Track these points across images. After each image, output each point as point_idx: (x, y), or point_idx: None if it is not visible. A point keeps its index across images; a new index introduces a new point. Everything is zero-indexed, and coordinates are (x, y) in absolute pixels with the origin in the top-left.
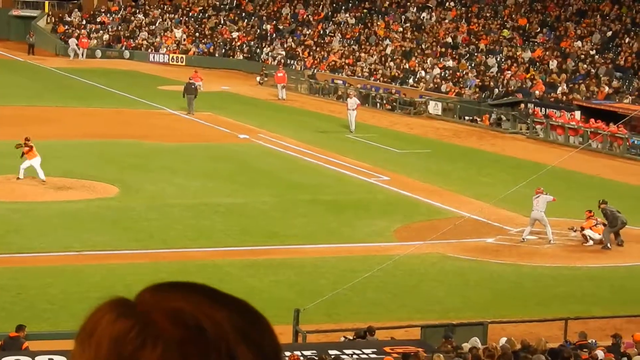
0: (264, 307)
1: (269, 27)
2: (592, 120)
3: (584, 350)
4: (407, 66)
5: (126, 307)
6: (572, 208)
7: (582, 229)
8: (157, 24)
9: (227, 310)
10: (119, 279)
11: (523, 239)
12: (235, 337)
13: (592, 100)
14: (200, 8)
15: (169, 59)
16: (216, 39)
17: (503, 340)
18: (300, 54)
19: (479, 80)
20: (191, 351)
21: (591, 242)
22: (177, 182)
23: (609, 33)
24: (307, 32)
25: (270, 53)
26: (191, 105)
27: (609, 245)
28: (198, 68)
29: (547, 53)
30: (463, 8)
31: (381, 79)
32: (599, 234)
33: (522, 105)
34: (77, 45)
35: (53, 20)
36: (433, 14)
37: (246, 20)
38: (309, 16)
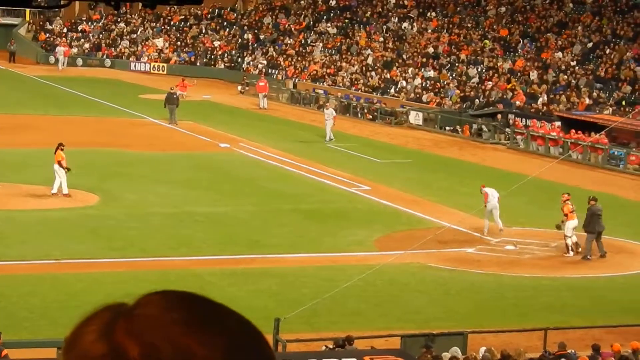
0: (244, 316)
1: (250, 36)
2: (573, 131)
3: None
4: (388, 76)
5: (109, 327)
6: (552, 218)
7: (565, 215)
8: (138, 33)
9: (209, 347)
10: (98, 288)
11: (485, 232)
12: None
13: (572, 111)
14: (182, 17)
15: (150, 68)
16: (198, 48)
17: (483, 350)
18: (282, 64)
19: (459, 90)
20: None
21: (571, 254)
22: (157, 190)
23: (590, 44)
24: (289, 42)
25: (251, 62)
26: (173, 115)
27: (588, 256)
28: (179, 77)
29: (528, 64)
30: (444, 18)
31: (362, 88)
32: (573, 221)
33: (499, 116)
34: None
35: (34, 29)
36: (414, 24)
37: (228, 29)
38: (291, 26)
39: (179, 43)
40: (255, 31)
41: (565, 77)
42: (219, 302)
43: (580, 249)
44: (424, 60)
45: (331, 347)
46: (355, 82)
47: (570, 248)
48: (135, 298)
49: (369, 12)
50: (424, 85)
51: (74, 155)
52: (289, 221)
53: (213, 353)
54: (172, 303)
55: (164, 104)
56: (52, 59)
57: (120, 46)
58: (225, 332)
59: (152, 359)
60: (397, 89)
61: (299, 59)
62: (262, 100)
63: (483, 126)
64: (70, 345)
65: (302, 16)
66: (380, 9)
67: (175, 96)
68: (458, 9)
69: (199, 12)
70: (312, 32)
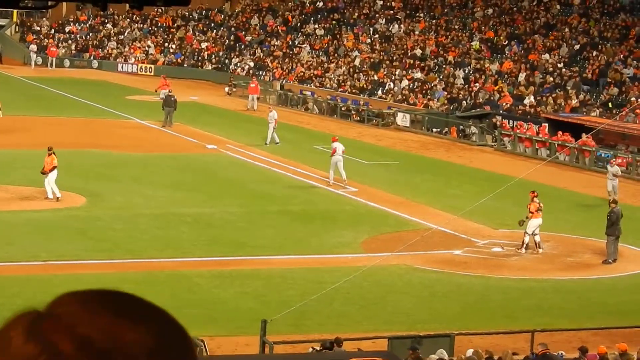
0: (231, 317)
1: (236, 37)
2: (560, 132)
3: None
4: (375, 78)
5: (36, 328)
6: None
7: (530, 212)
8: (125, 34)
9: (139, 331)
10: (85, 289)
11: (330, 183)
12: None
13: (559, 113)
14: (170, 17)
15: (137, 69)
16: (185, 50)
17: (470, 352)
18: (269, 65)
19: (446, 92)
20: None
21: (523, 251)
22: (144, 192)
23: (577, 46)
24: (276, 43)
25: (239, 64)
26: (169, 117)
27: (611, 260)
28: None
29: (516, 65)
30: (432, 20)
31: (349, 90)
32: (538, 219)
33: (494, 119)
34: (36, 52)
35: (21, 30)
36: (402, 25)
37: (215, 30)
38: (278, 27)
39: (166, 44)
40: (243, 32)
41: (552, 79)
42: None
43: (541, 249)
44: (411, 61)
45: (318, 348)
46: (343, 83)
47: (525, 245)
48: (48, 302)
49: (356, 14)
50: (411, 87)
51: (61, 156)
52: (276, 223)
53: (144, 337)
54: (91, 298)
55: (161, 106)
56: (39, 60)
57: (107, 47)
58: (152, 319)
59: (85, 350)
60: (384, 91)
61: (286, 60)
62: (252, 102)
63: (472, 127)
64: (0, 349)
65: (290, 17)
66: (367, 11)
67: (173, 99)
68: (445, 10)
69: (187, 13)
70: (300, 33)
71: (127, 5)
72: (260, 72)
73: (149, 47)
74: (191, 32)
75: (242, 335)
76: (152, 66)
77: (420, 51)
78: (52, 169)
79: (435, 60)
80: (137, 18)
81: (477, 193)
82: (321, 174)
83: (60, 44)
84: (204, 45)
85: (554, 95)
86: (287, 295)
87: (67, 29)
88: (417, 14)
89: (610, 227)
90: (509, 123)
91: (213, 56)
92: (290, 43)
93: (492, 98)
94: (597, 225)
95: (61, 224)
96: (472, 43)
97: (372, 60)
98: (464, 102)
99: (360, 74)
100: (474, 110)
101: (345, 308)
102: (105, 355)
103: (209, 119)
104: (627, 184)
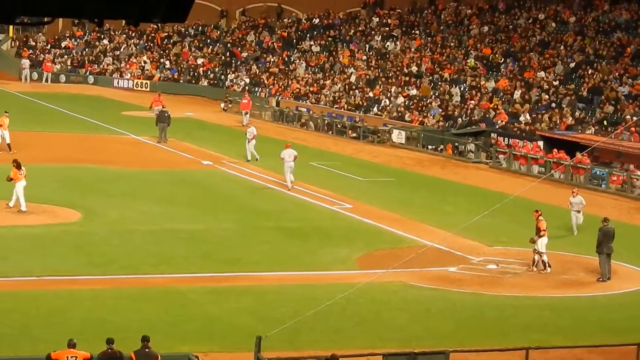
0: (226, 333)
1: (232, 53)
2: (555, 150)
3: None
4: (371, 94)
5: None
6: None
7: (539, 229)
8: (121, 50)
9: None
10: (79, 305)
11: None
12: None
13: (554, 131)
14: (165, 34)
15: (133, 85)
16: (181, 65)
17: None
18: (265, 81)
19: (442, 109)
20: None
21: (549, 269)
22: (139, 207)
23: (572, 64)
24: (272, 60)
25: (234, 80)
26: (163, 133)
27: (604, 278)
28: (162, 94)
29: (511, 83)
30: (427, 37)
31: (345, 107)
32: (544, 237)
33: (490, 137)
34: (29, 67)
35: (17, 44)
36: (397, 43)
37: (211, 46)
38: (274, 43)
39: (162, 60)
40: (239, 49)
41: (548, 96)
42: None
43: (535, 268)
44: (407, 79)
45: None
46: (338, 100)
47: (547, 264)
48: None
49: (352, 31)
50: (406, 104)
51: (56, 171)
52: (270, 239)
53: None
54: None
55: (155, 122)
56: (35, 75)
57: (103, 63)
58: None
59: None
60: (380, 108)
61: (282, 76)
62: (245, 118)
63: (471, 145)
64: None
65: (286, 34)
66: (363, 28)
67: (166, 114)
68: (441, 28)
69: (183, 29)
70: (296, 50)
71: (124, 21)
72: (256, 89)
73: (145, 62)
74: (187, 48)
75: (236, 352)
76: (148, 82)
77: (416, 68)
78: (10, 180)
79: (431, 78)
80: (133, 34)
81: (472, 210)
82: (317, 191)
83: (56, 59)
84: (199, 61)
85: (549, 113)
86: (281, 311)
87: (63, 44)
88: (413, 31)
89: (599, 245)
90: (504, 140)
91: (209, 72)
92: (286, 59)
93: (487, 115)
94: (591, 243)
95: (55, 239)
96: (467, 60)
97: (367, 77)
98: (460, 119)
99: (356, 90)
100: (469, 128)
101: (340, 325)
102: None
103: (204, 135)
104: (622, 201)
